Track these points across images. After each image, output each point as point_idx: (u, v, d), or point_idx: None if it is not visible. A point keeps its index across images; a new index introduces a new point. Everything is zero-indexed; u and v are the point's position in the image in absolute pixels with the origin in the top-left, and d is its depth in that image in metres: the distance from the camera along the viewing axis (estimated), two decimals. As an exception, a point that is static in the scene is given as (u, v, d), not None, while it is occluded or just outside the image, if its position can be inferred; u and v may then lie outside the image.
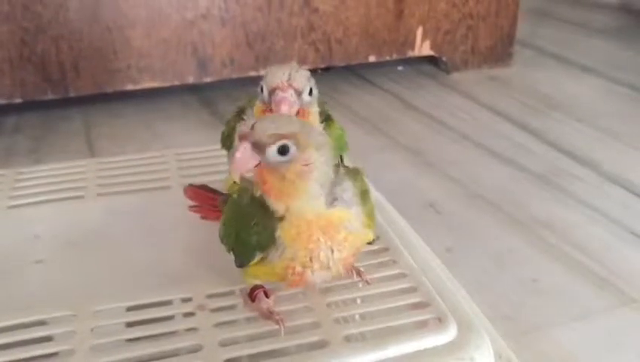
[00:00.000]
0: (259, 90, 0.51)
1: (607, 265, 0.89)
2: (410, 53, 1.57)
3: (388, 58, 1.55)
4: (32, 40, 1.29)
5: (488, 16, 1.60)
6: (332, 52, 1.49)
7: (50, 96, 1.35)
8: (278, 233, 0.42)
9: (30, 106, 1.37)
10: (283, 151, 0.40)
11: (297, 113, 0.50)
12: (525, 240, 0.96)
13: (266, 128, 0.40)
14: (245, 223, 0.43)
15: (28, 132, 1.34)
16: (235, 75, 1.44)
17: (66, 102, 1.40)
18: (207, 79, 1.43)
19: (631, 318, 0.79)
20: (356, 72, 1.63)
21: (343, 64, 1.53)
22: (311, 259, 0.42)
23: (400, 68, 1.67)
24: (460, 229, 0.99)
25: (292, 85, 0.49)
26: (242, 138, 0.41)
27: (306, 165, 0.41)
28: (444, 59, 1.62)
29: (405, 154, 1.23)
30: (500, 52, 1.66)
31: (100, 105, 1.43)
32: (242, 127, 0.41)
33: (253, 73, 1.45)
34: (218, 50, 1.41)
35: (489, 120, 1.38)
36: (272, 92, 0.49)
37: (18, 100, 1.33)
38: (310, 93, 0.51)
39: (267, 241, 0.42)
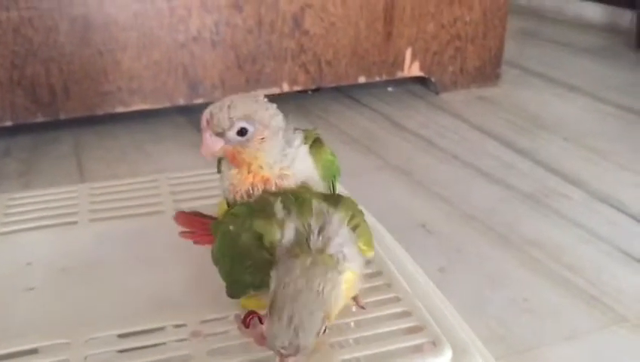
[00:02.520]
0: None
1: (597, 283, 0.90)
2: (400, 74, 1.58)
3: (377, 79, 1.57)
4: (22, 63, 1.29)
5: (476, 38, 1.62)
6: (322, 73, 1.50)
7: (40, 119, 1.34)
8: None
9: (20, 129, 1.37)
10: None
11: (228, 155, 0.49)
12: (516, 259, 0.96)
13: (309, 340, 0.40)
14: (240, 261, 0.43)
15: (18, 155, 1.34)
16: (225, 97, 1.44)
17: (56, 125, 1.40)
18: (198, 101, 1.43)
19: (621, 337, 0.80)
20: (346, 92, 1.64)
21: (333, 85, 1.54)
22: None
23: (390, 88, 1.68)
24: (452, 249, 0.99)
25: (210, 125, 0.48)
26: (285, 357, 0.40)
27: None
28: (433, 79, 1.63)
29: (395, 175, 1.24)
30: (487, 72, 1.68)
31: (90, 128, 1.43)
32: (278, 348, 0.40)
33: (243, 95, 1.45)
34: (209, 72, 1.42)
35: (478, 140, 1.39)
36: None
37: (8, 123, 1.33)
38: (241, 133, 0.48)
39: (260, 283, 0.42)
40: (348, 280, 0.42)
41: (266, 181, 0.49)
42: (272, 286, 0.41)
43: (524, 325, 0.82)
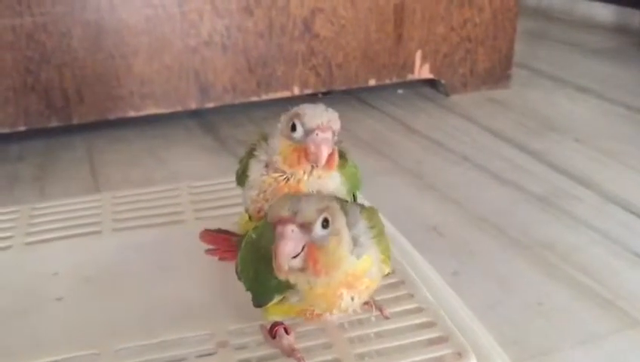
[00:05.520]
0: (286, 127, 0.51)
1: (611, 286, 0.90)
2: (410, 77, 1.59)
3: (388, 81, 1.57)
4: (36, 68, 1.30)
5: (486, 39, 1.63)
6: (333, 76, 1.51)
7: (53, 124, 1.36)
8: (299, 286, 0.42)
9: (33, 134, 1.38)
10: (326, 224, 0.41)
11: (331, 153, 0.51)
12: (529, 262, 0.96)
13: (310, 205, 0.41)
14: (265, 266, 0.44)
15: (31, 160, 1.35)
16: (236, 101, 1.46)
17: (69, 130, 1.41)
18: (210, 105, 1.44)
19: (636, 340, 0.80)
20: (356, 95, 1.64)
21: (343, 88, 1.54)
22: (331, 307, 0.43)
23: (400, 91, 1.69)
24: (464, 252, 1.00)
25: (331, 127, 0.50)
26: (285, 221, 0.40)
27: (338, 234, 0.41)
28: (443, 81, 1.64)
29: (406, 177, 1.24)
30: (498, 74, 1.68)
31: (102, 132, 1.44)
32: (276, 212, 0.40)
33: (254, 98, 1.46)
34: (220, 76, 1.42)
35: (489, 141, 1.39)
36: (309, 132, 0.49)
37: (22, 128, 1.34)
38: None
39: (285, 285, 0.43)
40: (364, 266, 0.43)
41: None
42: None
43: (538, 329, 0.82)
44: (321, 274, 0.41)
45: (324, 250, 0.40)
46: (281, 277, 0.42)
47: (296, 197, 0.42)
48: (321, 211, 0.41)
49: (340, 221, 0.42)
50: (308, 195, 0.42)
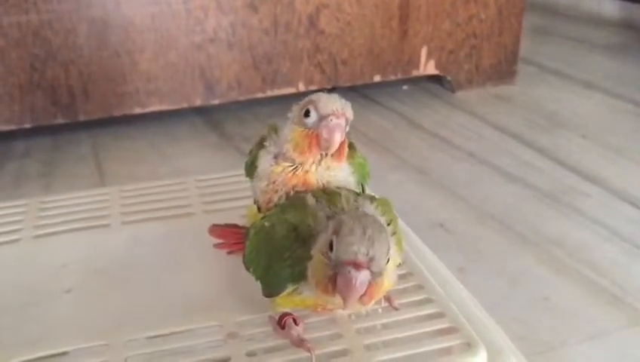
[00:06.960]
0: (299, 114, 0.51)
1: (619, 282, 0.90)
2: (415, 73, 1.58)
3: (393, 78, 1.57)
4: (41, 65, 1.30)
5: (492, 35, 1.62)
6: (338, 73, 1.51)
7: (59, 121, 1.36)
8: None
9: (39, 131, 1.38)
10: (387, 262, 0.41)
11: (342, 143, 0.50)
12: (536, 258, 0.96)
13: (382, 248, 0.40)
14: (279, 255, 0.44)
15: (37, 156, 1.35)
16: (241, 97, 1.46)
17: (74, 127, 1.41)
18: (215, 101, 1.44)
19: (645, 336, 0.80)
20: (362, 92, 1.64)
21: (348, 84, 1.54)
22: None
23: (405, 87, 1.68)
24: (471, 248, 0.99)
25: (345, 114, 0.50)
26: (360, 267, 0.39)
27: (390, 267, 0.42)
28: (448, 78, 1.63)
29: (412, 174, 1.24)
30: (503, 70, 1.68)
31: (108, 129, 1.45)
32: (352, 252, 0.39)
33: (259, 95, 1.46)
34: (225, 72, 1.42)
35: (495, 138, 1.39)
36: (324, 117, 0.49)
37: (28, 125, 1.34)
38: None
39: (300, 274, 0.43)
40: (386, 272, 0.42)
41: (307, 185, 0.50)
42: (329, 229, 0.41)
43: (546, 325, 0.82)
44: (369, 303, 0.41)
45: (378, 283, 0.40)
46: None
47: (366, 234, 0.39)
48: (387, 252, 0.40)
49: (391, 253, 0.41)
50: (373, 229, 0.40)
